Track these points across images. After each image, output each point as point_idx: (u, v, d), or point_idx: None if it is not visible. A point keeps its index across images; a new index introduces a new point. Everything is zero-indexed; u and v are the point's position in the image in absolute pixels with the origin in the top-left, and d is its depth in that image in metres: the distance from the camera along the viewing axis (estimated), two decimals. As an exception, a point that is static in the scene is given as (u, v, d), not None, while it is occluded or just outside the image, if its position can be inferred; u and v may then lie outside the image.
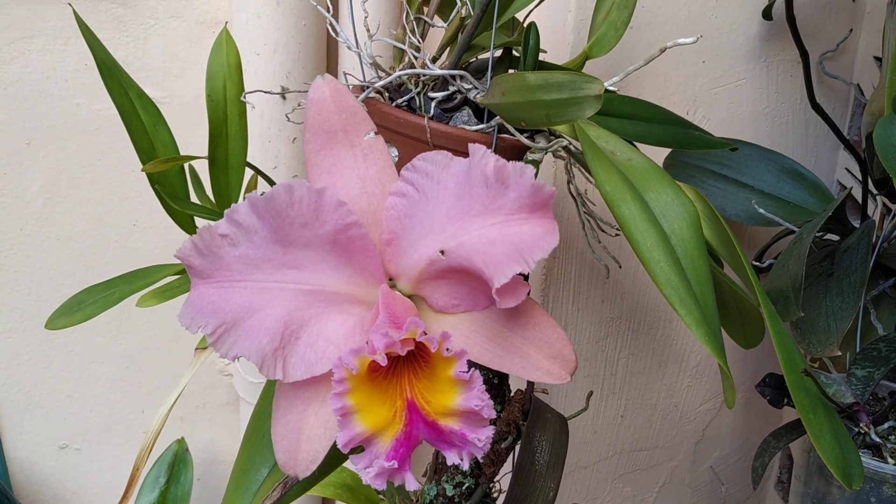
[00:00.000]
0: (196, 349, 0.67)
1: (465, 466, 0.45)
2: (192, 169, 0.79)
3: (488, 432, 0.44)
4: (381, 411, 0.45)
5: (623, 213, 0.60)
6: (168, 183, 0.74)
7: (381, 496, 0.75)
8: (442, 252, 0.45)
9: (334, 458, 0.49)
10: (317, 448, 0.48)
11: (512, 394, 0.76)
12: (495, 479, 0.78)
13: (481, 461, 0.75)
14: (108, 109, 1.00)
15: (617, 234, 0.86)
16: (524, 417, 0.75)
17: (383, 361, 0.43)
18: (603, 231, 0.80)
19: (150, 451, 0.65)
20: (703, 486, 1.27)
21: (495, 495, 0.79)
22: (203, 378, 1.14)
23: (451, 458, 0.45)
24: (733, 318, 0.87)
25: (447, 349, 0.43)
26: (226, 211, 0.44)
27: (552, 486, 0.66)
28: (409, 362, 0.46)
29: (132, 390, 1.12)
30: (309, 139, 0.48)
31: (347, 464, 0.78)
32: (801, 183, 1.01)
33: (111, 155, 1.02)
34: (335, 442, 0.47)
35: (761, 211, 0.93)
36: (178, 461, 1.06)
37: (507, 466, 0.84)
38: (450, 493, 0.76)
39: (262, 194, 0.45)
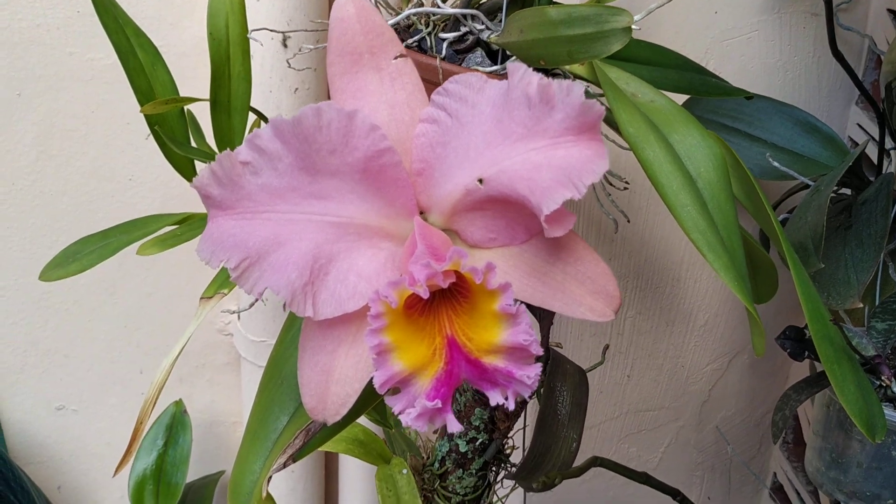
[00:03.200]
0: (201, 298, 0.64)
1: (511, 406, 0.42)
2: (190, 114, 0.76)
3: (536, 370, 0.42)
4: (419, 349, 0.43)
5: (647, 155, 0.58)
6: (167, 126, 0.71)
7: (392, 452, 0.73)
8: (480, 181, 0.42)
9: (363, 402, 0.47)
10: (347, 391, 0.45)
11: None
12: (509, 435, 0.76)
13: (496, 416, 0.73)
14: (103, 59, 0.96)
15: (626, 188, 0.83)
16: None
17: (425, 294, 0.40)
18: (611, 184, 0.78)
19: (155, 403, 0.63)
20: (708, 447, 1.27)
21: (508, 451, 0.77)
22: (202, 338, 1.11)
23: (495, 397, 0.43)
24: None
25: (491, 282, 0.41)
26: (247, 136, 0.41)
27: (574, 437, 0.64)
28: (447, 298, 0.44)
29: (130, 349, 1.09)
30: (332, 61, 0.45)
31: (359, 419, 0.76)
32: (816, 136, 0.99)
33: (106, 107, 0.98)
34: (366, 385, 0.45)
35: (776, 164, 0.91)
36: (176, 423, 1.04)
37: (519, 424, 0.82)
38: (463, 448, 0.74)
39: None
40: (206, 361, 1.13)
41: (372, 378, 0.42)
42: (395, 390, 0.43)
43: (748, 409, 1.26)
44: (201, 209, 0.47)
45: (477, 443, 0.73)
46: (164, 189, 1.03)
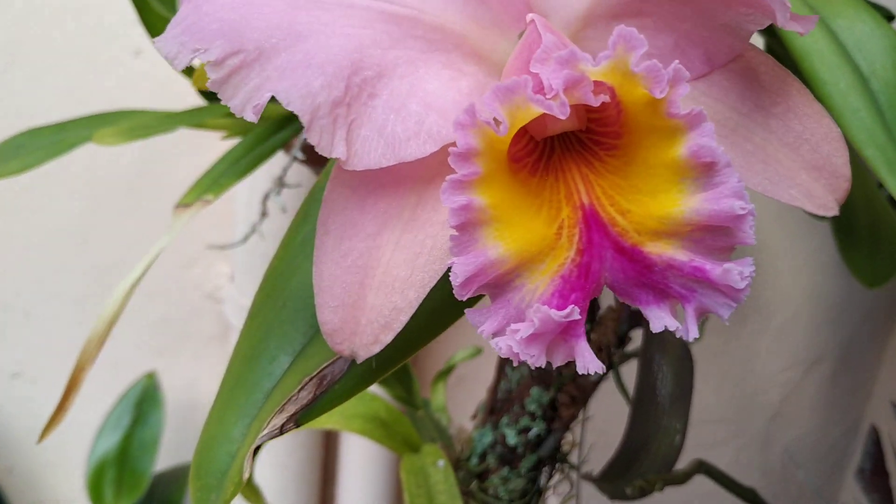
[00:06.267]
0: (176, 206, 0.47)
1: (691, 335, 0.25)
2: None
3: (749, 266, 0.25)
4: (534, 226, 0.26)
5: (803, 43, 0.45)
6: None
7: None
8: None
9: (422, 327, 0.29)
10: (396, 303, 0.28)
11: (601, 311, 0.57)
12: (569, 427, 0.59)
13: (559, 401, 0.56)
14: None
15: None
16: (618, 343, 0.56)
17: (563, 112, 0.24)
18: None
19: (103, 343, 0.46)
20: (773, 471, 1.08)
21: (566, 448, 0.59)
22: (187, 303, 0.94)
23: (659, 318, 0.26)
24: (860, 241, 0.68)
25: (677, 102, 0.24)
26: None
27: (678, 428, 0.47)
28: (576, 147, 0.27)
29: (102, 310, 0.92)
30: None
31: (375, 388, 0.58)
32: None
33: (90, 13, 0.82)
34: (430, 292, 0.27)
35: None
36: (146, 399, 0.88)
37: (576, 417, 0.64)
38: (511, 440, 0.56)
39: None
40: (190, 331, 0.96)
41: (449, 274, 0.25)
42: (477, 298, 0.26)
43: (822, 430, 1.08)
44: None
45: (530, 434, 0.55)
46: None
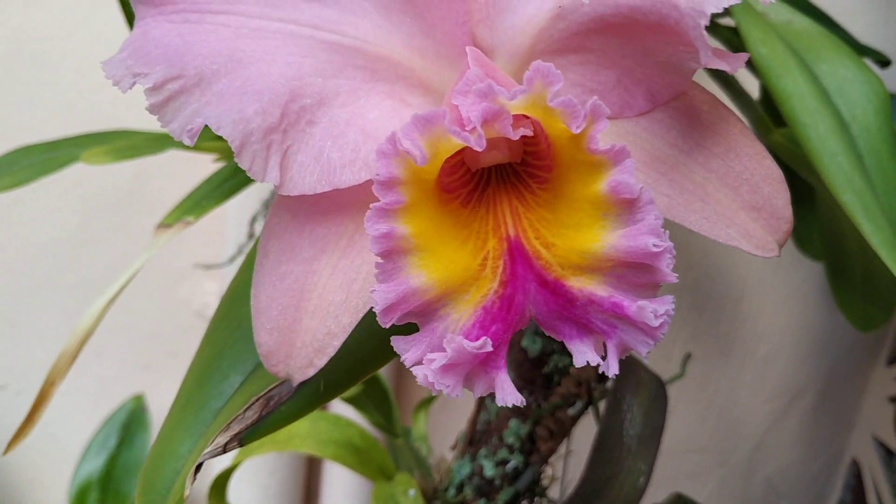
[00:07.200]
0: (158, 226, 0.48)
1: (612, 370, 0.26)
2: None
3: (666, 305, 0.25)
4: (458, 256, 0.26)
5: (785, 86, 0.45)
6: None
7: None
8: None
9: (364, 357, 0.30)
10: (330, 327, 0.28)
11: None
12: (549, 460, 0.59)
13: (536, 434, 0.56)
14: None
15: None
16: (599, 378, 0.56)
17: (479, 145, 0.24)
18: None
19: (75, 358, 0.47)
20: (755, 502, 1.09)
21: (545, 482, 0.60)
22: (175, 319, 0.94)
23: (582, 352, 0.26)
24: (853, 285, 0.69)
25: (596, 137, 0.24)
26: None
27: (643, 470, 0.47)
28: (510, 180, 0.28)
29: (75, 327, 0.92)
30: None
31: (354, 415, 0.59)
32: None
33: (86, 29, 0.83)
34: (363, 319, 0.28)
35: None
36: (133, 421, 0.88)
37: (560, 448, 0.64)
38: (489, 472, 0.57)
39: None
40: (178, 348, 0.96)
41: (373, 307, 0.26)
42: (410, 326, 0.26)
43: (805, 461, 1.09)
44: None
45: (508, 466, 0.56)
46: (147, 136, 0.87)
